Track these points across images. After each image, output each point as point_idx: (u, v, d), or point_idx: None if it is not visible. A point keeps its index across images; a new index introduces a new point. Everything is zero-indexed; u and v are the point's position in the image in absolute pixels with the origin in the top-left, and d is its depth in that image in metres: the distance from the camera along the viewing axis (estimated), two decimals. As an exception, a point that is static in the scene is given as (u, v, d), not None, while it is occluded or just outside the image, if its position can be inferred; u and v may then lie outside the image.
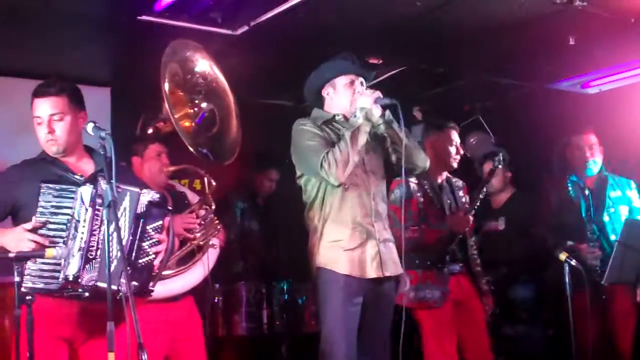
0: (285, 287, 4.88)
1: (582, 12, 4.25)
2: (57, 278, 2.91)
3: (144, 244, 3.05)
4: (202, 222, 3.93)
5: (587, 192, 4.73)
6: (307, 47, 4.41)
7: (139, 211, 3.03)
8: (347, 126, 3.62)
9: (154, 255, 3.10)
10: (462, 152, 4.58)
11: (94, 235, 2.93)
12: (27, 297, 2.78)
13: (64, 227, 2.94)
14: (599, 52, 5.02)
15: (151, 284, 3.12)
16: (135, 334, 2.57)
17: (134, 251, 3.01)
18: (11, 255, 2.81)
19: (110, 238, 2.77)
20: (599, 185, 4.77)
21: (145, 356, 2.58)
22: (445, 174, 4.58)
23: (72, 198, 2.95)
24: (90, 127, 2.95)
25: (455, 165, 4.54)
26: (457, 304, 4.36)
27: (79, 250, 2.90)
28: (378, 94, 3.56)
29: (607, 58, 5.25)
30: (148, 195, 3.07)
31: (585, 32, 4.60)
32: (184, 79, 4.04)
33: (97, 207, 2.92)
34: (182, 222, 3.82)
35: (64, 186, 2.98)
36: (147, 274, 3.08)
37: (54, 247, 2.88)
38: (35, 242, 2.89)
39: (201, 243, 3.92)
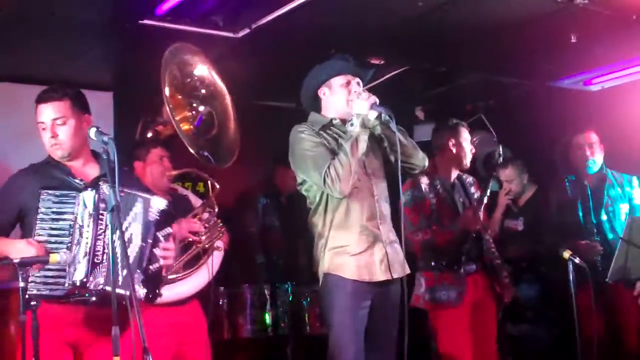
0: (289, 289, 4.88)
1: (583, 9, 4.25)
2: (62, 284, 2.91)
3: (154, 250, 3.06)
4: (207, 225, 3.93)
5: (587, 191, 4.73)
6: (309, 49, 4.40)
7: (150, 218, 3.04)
8: (344, 130, 3.60)
9: (163, 262, 3.11)
10: (473, 149, 4.55)
11: (99, 240, 2.93)
12: (32, 303, 2.78)
13: (67, 232, 2.95)
14: (600, 49, 5.01)
15: (160, 289, 3.13)
16: (140, 338, 2.58)
17: (145, 257, 3.02)
18: (15, 261, 2.81)
19: (115, 243, 2.77)
20: (597, 184, 4.78)
21: (150, 360, 2.58)
22: (456, 173, 4.56)
23: (73, 203, 2.96)
24: (93, 131, 2.95)
25: (467, 164, 4.52)
26: (474, 304, 4.34)
27: (85, 255, 2.91)
28: (374, 99, 3.52)
29: (609, 55, 5.24)
30: (159, 202, 3.08)
31: (586, 29, 4.59)
32: (183, 83, 4.05)
33: (100, 212, 2.92)
34: (188, 225, 3.82)
35: (63, 192, 2.98)
36: (157, 280, 3.09)
37: (58, 252, 2.88)
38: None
39: (206, 246, 3.92)
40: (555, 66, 5.46)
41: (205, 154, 3.97)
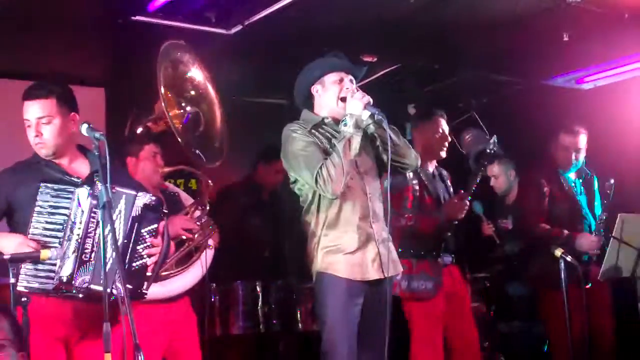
0: (281, 286, 4.87)
1: (575, 8, 4.26)
2: (53, 278, 2.91)
3: (138, 247, 3.06)
4: (199, 223, 3.92)
5: (580, 187, 4.75)
6: (302, 45, 4.40)
7: (134, 214, 3.03)
8: (336, 129, 3.60)
9: (147, 259, 3.10)
10: (449, 139, 4.54)
11: (89, 237, 2.93)
12: (23, 299, 2.78)
13: (61, 227, 2.95)
14: (593, 47, 5.03)
15: (145, 286, 3.12)
16: (131, 335, 2.58)
17: (128, 254, 3.01)
18: (6, 256, 2.81)
19: (105, 240, 2.76)
20: (587, 180, 4.80)
21: (142, 357, 2.58)
22: (434, 163, 4.57)
23: (70, 198, 2.96)
24: (84, 128, 2.93)
25: (444, 154, 4.51)
26: (448, 295, 4.35)
27: (74, 252, 2.91)
28: (368, 99, 3.51)
29: (601, 54, 5.26)
30: (144, 198, 3.07)
31: (579, 28, 4.61)
32: (173, 81, 4.04)
33: (93, 209, 2.92)
34: (181, 222, 3.81)
35: (62, 186, 2.98)
36: (139, 277, 3.08)
37: (49, 248, 2.88)
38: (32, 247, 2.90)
39: (199, 244, 3.92)
40: (548, 64, 5.48)
41: (197, 152, 3.96)
